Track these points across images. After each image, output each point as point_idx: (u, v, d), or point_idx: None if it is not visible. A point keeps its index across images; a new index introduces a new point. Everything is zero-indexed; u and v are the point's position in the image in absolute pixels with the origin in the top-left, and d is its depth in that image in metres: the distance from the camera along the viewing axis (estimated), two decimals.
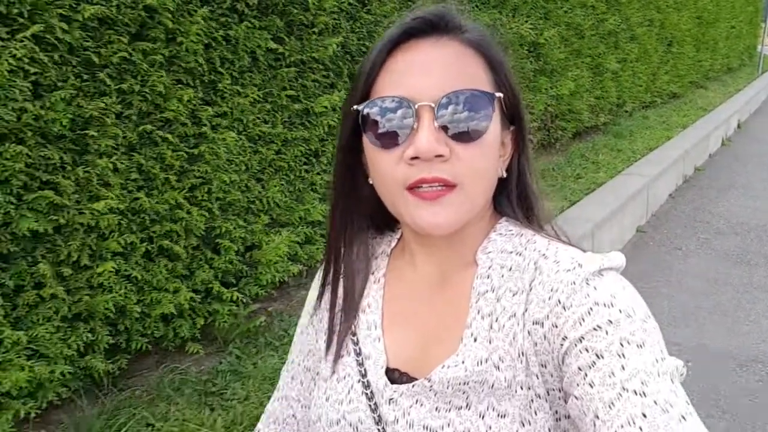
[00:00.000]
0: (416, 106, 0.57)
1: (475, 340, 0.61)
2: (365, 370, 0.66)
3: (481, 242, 0.65)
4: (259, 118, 2.42)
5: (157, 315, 2.10)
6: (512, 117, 0.64)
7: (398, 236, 0.74)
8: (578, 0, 5.17)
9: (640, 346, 0.51)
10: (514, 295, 0.60)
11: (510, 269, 0.62)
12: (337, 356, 0.69)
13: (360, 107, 0.60)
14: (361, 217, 0.71)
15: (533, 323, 0.57)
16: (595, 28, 5.61)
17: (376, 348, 0.67)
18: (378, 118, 0.59)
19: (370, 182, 0.65)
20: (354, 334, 0.69)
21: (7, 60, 1.60)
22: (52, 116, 1.73)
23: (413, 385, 0.63)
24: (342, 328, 0.70)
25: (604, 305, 0.54)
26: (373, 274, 0.72)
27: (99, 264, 1.91)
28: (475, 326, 0.61)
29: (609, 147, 5.72)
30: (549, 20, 4.68)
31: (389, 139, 0.58)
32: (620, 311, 0.53)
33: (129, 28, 1.92)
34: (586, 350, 0.52)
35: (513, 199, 0.66)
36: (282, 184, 2.59)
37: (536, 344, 0.57)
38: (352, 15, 2.84)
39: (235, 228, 2.36)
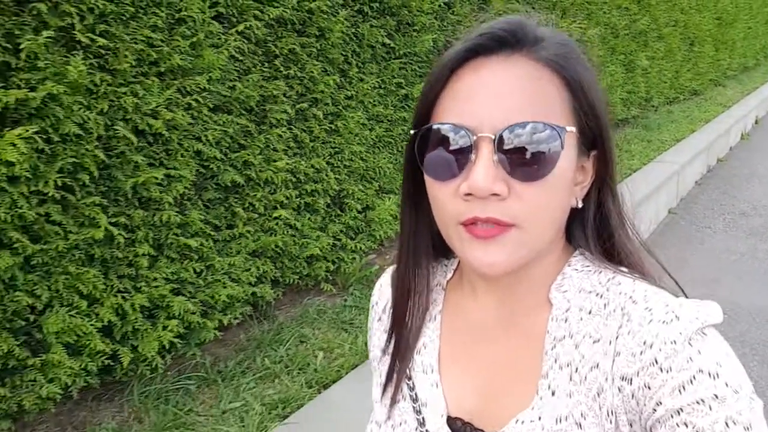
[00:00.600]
0: (475, 138, 0.51)
1: (553, 393, 0.55)
2: (423, 418, 0.61)
3: (553, 278, 0.59)
4: (375, 100, 2.93)
5: (304, 256, 2.61)
6: (593, 142, 0.57)
7: (454, 266, 0.67)
8: (615, 2, 5.65)
9: (747, 429, 0.46)
10: (595, 342, 0.54)
11: (590, 312, 0.56)
12: (393, 401, 0.64)
13: (416, 131, 0.56)
14: (421, 244, 0.65)
15: (621, 378, 0.51)
16: (628, 28, 6.08)
17: (433, 394, 0.61)
18: (434, 146, 0.53)
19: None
20: (409, 378, 0.63)
21: (227, 49, 2.11)
22: (248, 93, 2.24)
23: None
24: (397, 370, 0.64)
25: (710, 375, 0.48)
26: (428, 310, 0.66)
27: (271, 212, 2.42)
28: (553, 377, 0.55)
29: (639, 138, 6.19)
30: (591, 20, 5.17)
31: (445, 171, 0.53)
32: (727, 385, 0.47)
33: (295, 26, 2.43)
34: (685, 425, 0.47)
35: (589, 231, 0.60)
36: (389, 156, 3.10)
37: (624, 401, 0.51)
38: (441, 16, 3.34)
39: (356, 191, 2.87)
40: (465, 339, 0.62)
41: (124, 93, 1.82)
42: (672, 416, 0.48)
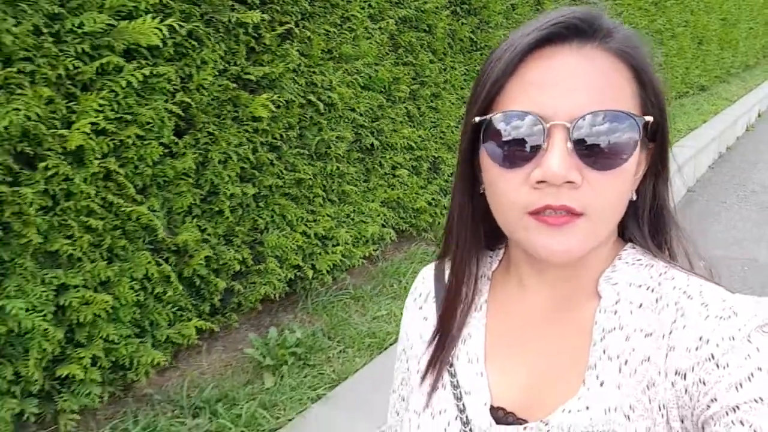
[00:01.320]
0: (548, 125, 0.50)
1: (602, 384, 0.54)
2: (464, 405, 0.60)
3: (603, 270, 0.58)
4: (462, 84, 3.56)
5: (413, 208, 3.25)
6: (654, 134, 0.56)
7: (500, 257, 0.67)
8: (637, 4, 6.28)
9: None
10: (646, 336, 0.53)
11: (641, 306, 0.55)
12: (433, 389, 0.63)
13: (482, 118, 0.54)
14: (470, 233, 0.64)
15: (675, 372, 0.51)
16: (647, 27, 6.71)
17: (477, 383, 0.61)
18: (503, 133, 0.52)
19: (482, 192, 0.59)
20: (451, 365, 0.63)
21: (375, 40, 2.74)
22: (384, 75, 2.86)
23: (525, 428, 0.56)
24: (439, 358, 0.64)
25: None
26: (473, 301, 0.66)
27: (394, 171, 3.05)
28: (601, 368, 0.54)
29: None
30: (620, 19, 5.79)
31: (514, 158, 0.52)
32: None
33: (413, 23, 3.06)
34: (741, 423, 0.46)
35: (644, 224, 0.59)
36: None
37: (677, 396, 0.50)
38: (507, 15, 3.98)
39: (448, 158, 3.50)
40: (511, 330, 0.62)
41: (314, 72, 2.45)
42: (727, 413, 0.46)
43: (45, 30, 1.54)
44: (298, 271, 2.52)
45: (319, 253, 2.60)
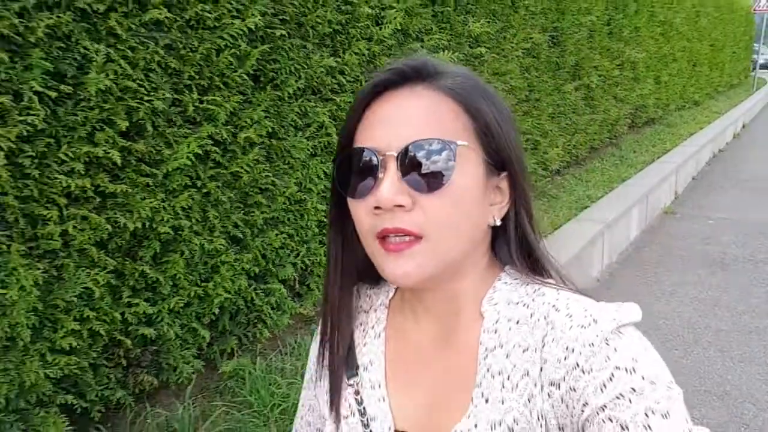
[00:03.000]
0: (382, 157, 0.57)
1: (487, 400, 0.59)
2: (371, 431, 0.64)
3: (485, 293, 0.64)
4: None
5: None
6: (502, 163, 0.62)
7: (396, 287, 0.72)
8: (650, 34, 8.00)
9: (665, 416, 0.50)
10: (524, 351, 0.59)
11: (518, 322, 0.61)
12: (341, 416, 0.68)
13: (338, 158, 0.62)
14: (355, 267, 0.70)
15: (550, 384, 0.56)
16: (657, 53, 8.44)
17: (381, 409, 0.65)
18: (352, 168, 0.59)
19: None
20: (357, 393, 0.67)
21: (516, 57, 4.36)
22: (522, 84, 4.47)
23: None
24: (344, 386, 0.68)
25: (626, 371, 0.52)
26: (372, 328, 0.71)
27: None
28: (486, 385, 0.60)
29: (665, 132, 8.55)
30: (641, 47, 7.50)
31: (360, 189, 0.59)
32: (643, 378, 0.51)
33: (547, 44, 4.69)
34: (610, 420, 0.51)
35: (512, 247, 0.64)
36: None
37: (553, 406, 0.55)
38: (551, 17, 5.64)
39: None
40: (408, 355, 0.67)
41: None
42: (597, 413, 0.51)
43: None
44: None
45: None
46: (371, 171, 0.58)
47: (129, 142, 1.89)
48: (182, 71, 2.04)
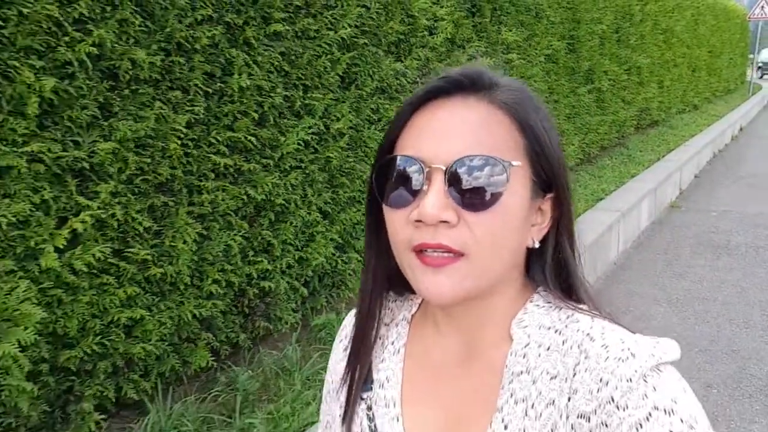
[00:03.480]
0: (428, 169, 0.55)
1: (506, 427, 0.56)
2: None
3: (515, 314, 0.61)
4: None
5: None
6: (548, 184, 0.59)
7: (419, 300, 0.70)
8: (653, 41, 8.50)
9: None
10: (552, 379, 0.56)
11: (548, 348, 0.58)
12: None
13: (379, 163, 0.59)
14: (387, 275, 0.67)
15: (578, 416, 0.53)
16: (660, 59, 8.94)
17: (394, 428, 0.63)
18: (392, 176, 0.57)
19: None
20: (370, 409, 0.65)
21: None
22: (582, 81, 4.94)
23: None
24: (358, 403, 0.66)
25: (665, 412, 0.49)
26: (393, 343, 0.68)
27: None
28: (507, 411, 0.57)
29: (668, 133, 9.04)
30: (645, 53, 8.00)
31: (401, 199, 0.56)
32: (682, 421, 0.49)
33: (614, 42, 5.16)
34: None
35: (548, 271, 0.62)
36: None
37: None
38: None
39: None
40: (427, 373, 0.64)
41: None
42: None
43: None
44: None
45: None
46: (414, 182, 0.55)
47: (258, 130, 2.35)
48: (291, 73, 2.50)
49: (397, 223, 0.57)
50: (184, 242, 2.10)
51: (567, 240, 0.62)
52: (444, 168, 0.54)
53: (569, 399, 0.54)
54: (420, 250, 0.55)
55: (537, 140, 0.57)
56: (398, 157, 0.57)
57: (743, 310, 3.84)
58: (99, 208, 1.82)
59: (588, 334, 0.56)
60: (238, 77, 2.21)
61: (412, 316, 0.69)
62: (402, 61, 3.15)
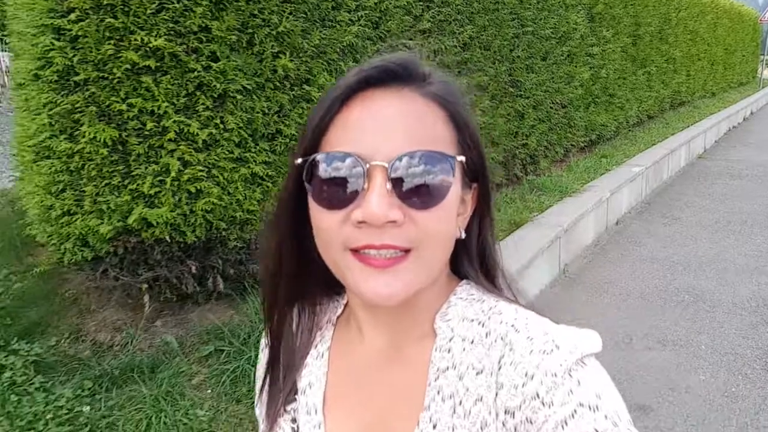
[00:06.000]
0: (368, 166, 0.51)
1: (434, 426, 0.55)
2: None
3: (438, 307, 0.60)
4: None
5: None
6: (475, 175, 0.59)
7: (345, 302, 0.67)
8: (684, 38, 11.04)
9: None
10: (478, 374, 0.55)
11: (472, 342, 0.57)
12: None
13: (305, 159, 0.55)
14: (303, 281, 0.64)
15: (504, 412, 0.52)
16: (687, 53, 11.48)
17: None
18: (324, 174, 0.53)
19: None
20: (294, 421, 0.62)
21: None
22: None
23: None
24: (281, 413, 0.64)
25: (590, 408, 0.49)
26: (316, 347, 0.66)
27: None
28: (435, 409, 0.55)
29: (694, 111, 11.60)
30: (678, 48, 10.55)
31: (336, 199, 0.52)
32: (606, 417, 0.49)
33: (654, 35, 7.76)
34: None
35: (474, 260, 0.62)
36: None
37: None
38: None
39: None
40: (351, 376, 0.62)
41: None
42: None
43: None
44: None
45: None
46: (352, 180, 0.51)
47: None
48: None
49: (331, 224, 0.53)
50: None
51: (489, 229, 0.62)
52: (386, 165, 0.51)
53: (496, 394, 0.53)
54: (357, 250, 0.52)
55: (468, 133, 0.57)
56: (332, 154, 0.53)
57: (749, 204, 6.44)
58: None
59: (512, 326, 0.55)
60: None
61: (338, 318, 0.67)
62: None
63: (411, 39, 3.78)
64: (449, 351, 0.57)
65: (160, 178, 2.53)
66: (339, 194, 0.52)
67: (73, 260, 2.60)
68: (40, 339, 2.78)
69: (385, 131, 0.52)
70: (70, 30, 2.35)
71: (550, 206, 4.85)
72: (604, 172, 6.17)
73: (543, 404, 0.50)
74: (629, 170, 6.28)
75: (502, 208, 4.64)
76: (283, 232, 0.61)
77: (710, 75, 13.96)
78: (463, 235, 0.59)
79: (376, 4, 3.38)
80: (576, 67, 6.21)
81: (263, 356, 0.70)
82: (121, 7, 2.37)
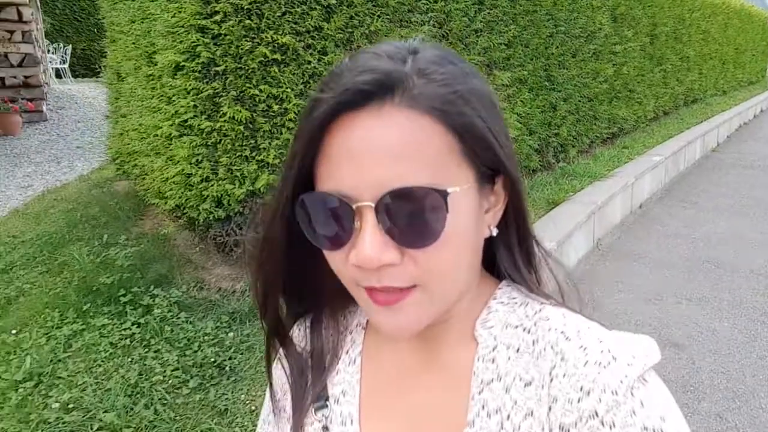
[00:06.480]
0: (356, 206, 0.47)
1: None
2: None
3: (478, 313, 0.56)
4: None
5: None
6: (496, 170, 0.52)
7: None
8: (696, 40, 11.52)
9: None
10: (526, 386, 0.51)
11: (518, 350, 0.53)
12: None
13: (295, 200, 0.50)
14: (327, 278, 0.57)
15: (559, 428, 0.48)
16: (700, 52, 11.96)
17: None
18: (314, 217, 0.49)
19: None
20: (326, 429, 0.59)
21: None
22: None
23: None
24: (311, 421, 0.59)
25: None
26: (347, 353, 0.62)
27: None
28: (480, 425, 0.52)
29: (706, 107, 12.09)
30: (691, 48, 11.05)
31: (332, 240, 0.49)
32: None
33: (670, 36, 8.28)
34: None
35: (517, 257, 0.57)
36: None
37: None
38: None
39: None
40: (386, 383, 0.59)
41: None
42: None
43: None
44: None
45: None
46: (344, 221, 0.48)
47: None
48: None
49: (339, 262, 0.50)
50: None
51: (524, 218, 0.56)
52: (372, 205, 0.46)
53: (549, 409, 0.49)
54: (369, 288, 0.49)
55: (476, 137, 0.49)
56: (317, 195, 0.48)
57: (761, 191, 6.94)
58: None
59: (562, 332, 0.51)
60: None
61: (368, 321, 0.63)
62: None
63: (467, 37, 4.32)
64: (493, 361, 0.54)
65: (281, 150, 3.08)
66: (335, 235, 0.49)
67: (209, 218, 3.15)
68: (170, 288, 3.34)
69: (365, 165, 0.46)
70: (212, 29, 2.91)
71: (582, 188, 5.36)
72: (627, 161, 6.68)
73: (602, 424, 0.46)
74: (650, 159, 6.78)
75: (539, 190, 5.16)
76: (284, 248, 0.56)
77: (721, 73, 14.44)
78: (494, 232, 0.54)
79: (441, 6, 3.93)
80: (601, 63, 6.73)
81: (278, 366, 0.64)
82: (256, 10, 2.93)
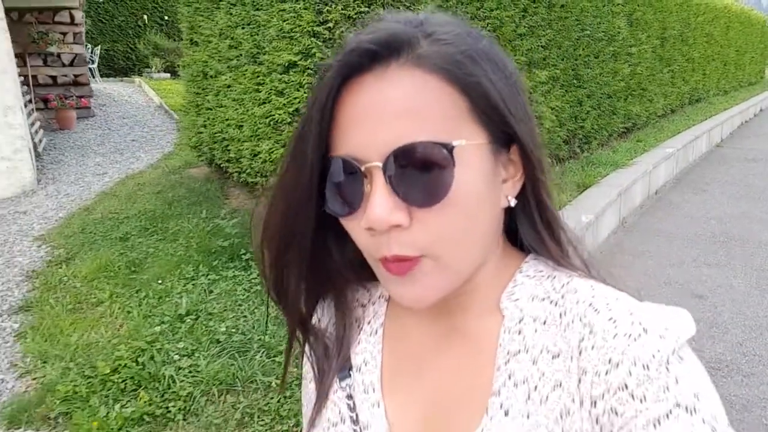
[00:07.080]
0: (364, 168, 0.47)
1: (506, 413, 0.51)
2: None
3: (500, 284, 0.56)
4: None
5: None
6: (511, 136, 0.51)
7: None
8: (701, 42, 12.20)
9: None
10: (554, 358, 0.50)
11: (545, 322, 0.52)
12: (332, 424, 0.59)
13: (312, 164, 0.50)
14: (348, 252, 0.58)
15: (589, 399, 0.48)
16: (704, 53, 12.65)
17: (375, 415, 0.57)
18: (330, 181, 0.50)
19: None
20: (350, 398, 0.59)
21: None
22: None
23: None
24: (335, 389, 0.60)
25: (687, 410, 0.44)
26: (369, 323, 0.63)
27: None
28: (506, 395, 0.51)
29: (709, 106, 12.78)
30: (696, 49, 11.72)
31: (347, 206, 0.50)
32: (704, 421, 0.44)
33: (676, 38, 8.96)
34: None
35: (542, 229, 0.55)
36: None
37: (593, 427, 0.47)
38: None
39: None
40: (409, 353, 0.59)
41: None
42: None
43: None
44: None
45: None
46: (355, 185, 0.48)
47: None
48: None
49: (354, 230, 0.51)
50: None
51: (544, 190, 0.54)
52: (380, 165, 0.47)
53: (579, 381, 0.48)
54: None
55: (484, 97, 0.48)
56: (331, 161, 0.49)
57: (763, 181, 7.62)
58: None
59: (590, 305, 0.50)
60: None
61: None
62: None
63: (514, 40, 4.99)
64: (519, 333, 0.53)
65: None
66: (348, 201, 0.49)
67: None
68: None
69: (374, 126, 0.47)
70: (324, 34, 3.57)
71: (607, 174, 6.03)
72: (642, 152, 7.35)
73: (632, 397, 0.45)
74: (664, 151, 7.46)
75: (568, 175, 5.83)
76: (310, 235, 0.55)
77: (723, 74, 15.15)
78: (513, 203, 0.53)
79: (496, 14, 4.60)
80: (619, 64, 7.41)
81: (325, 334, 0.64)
82: (360, 19, 3.59)
